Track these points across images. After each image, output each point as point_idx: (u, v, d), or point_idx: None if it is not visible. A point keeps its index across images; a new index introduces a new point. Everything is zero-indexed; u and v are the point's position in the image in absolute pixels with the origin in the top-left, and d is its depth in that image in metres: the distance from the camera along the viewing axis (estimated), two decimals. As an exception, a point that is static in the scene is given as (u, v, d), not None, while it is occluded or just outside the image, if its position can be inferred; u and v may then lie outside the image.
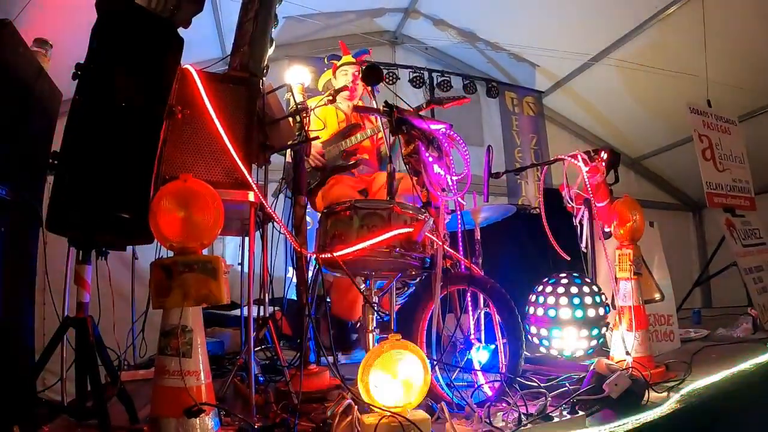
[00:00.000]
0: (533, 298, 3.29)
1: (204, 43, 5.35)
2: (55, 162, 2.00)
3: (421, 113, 2.79)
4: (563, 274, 3.26)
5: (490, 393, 2.40)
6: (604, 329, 3.15)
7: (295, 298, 2.99)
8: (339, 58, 4.14)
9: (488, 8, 6.43)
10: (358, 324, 3.46)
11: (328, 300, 3.64)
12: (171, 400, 1.74)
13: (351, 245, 2.30)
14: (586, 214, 3.43)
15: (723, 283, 6.25)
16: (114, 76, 1.98)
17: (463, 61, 7.62)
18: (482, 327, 2.63)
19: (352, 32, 6.71)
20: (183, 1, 2.14)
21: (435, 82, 6.77)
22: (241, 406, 2.39)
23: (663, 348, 3.57)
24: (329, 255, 2.32)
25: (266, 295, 2.94)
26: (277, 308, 3.67)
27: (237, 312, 3.85)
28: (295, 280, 2.93)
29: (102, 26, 2.03)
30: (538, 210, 4.21)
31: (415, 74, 6.66)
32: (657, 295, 3.66)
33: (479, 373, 2.52)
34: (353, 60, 4.06)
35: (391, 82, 6.37)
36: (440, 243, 2.46)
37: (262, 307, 2.93)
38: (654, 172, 8.72)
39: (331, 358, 2.53)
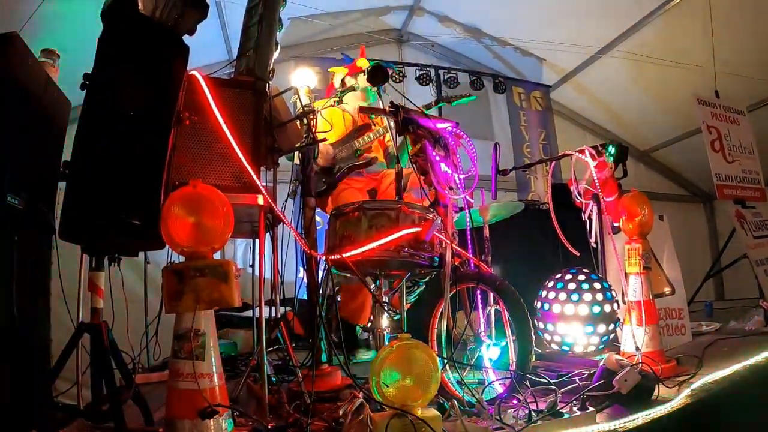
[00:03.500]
0: (543, 294, 3.30)
1: (210, 46, 5.38)
2: (67, 171, 2.03)
3: (427, 111, 2.80)
4: (573, 270, 3.26)
5: (500, 390, 2.41)
6: (614, 325, 3.15)
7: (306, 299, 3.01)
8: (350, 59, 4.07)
9: (493, 3, 6.42)
10: (369, 325, 3.48)
11: (338, 299, 3.65)
12: (185, 402, 1.77)
13: (360, 246, 2.31)
14: (595, 209, 3.43)
15: (735, 274, 6.21)
16: (122, 85, 2.01)
17: (469, 57, 7.61)
18: (492, 324, 2.64)
19: (358, 31, 6.73)
20: (187, 9, 2.16)
21: (442, 79, 6.77)
22: (255, 406, 2.42)
23: (674, 342, 3.56)
24: (338, 256, 2.34)
25: (277, 296, 2.96)
26: (288, 309, 3.70)
27: (249, 313, 3.88)
28: (306, 281, 2.96)
29: (108, 36, 2.05)
30: (547, 205, 4.20)
31: (421, 71, 6.67)
32: (667, 289, 3.64)
33: (489, 371, 2.53)
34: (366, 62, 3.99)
35: (398, 80, 6.37)
36: (449, 242, 2.47)
37: (273, 308, 2.96)
38: (663, 164, 8.68)
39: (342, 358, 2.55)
